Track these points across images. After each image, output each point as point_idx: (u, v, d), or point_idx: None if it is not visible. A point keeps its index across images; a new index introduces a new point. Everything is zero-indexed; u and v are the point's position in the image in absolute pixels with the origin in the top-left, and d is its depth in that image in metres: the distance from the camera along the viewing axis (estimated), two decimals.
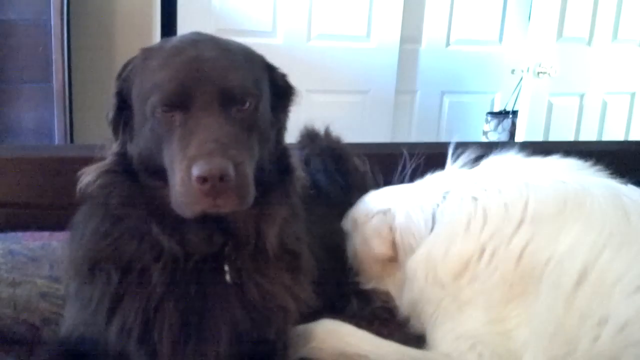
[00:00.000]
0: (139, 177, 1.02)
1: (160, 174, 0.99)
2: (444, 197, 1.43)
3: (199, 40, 1.05)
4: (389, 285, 1.52)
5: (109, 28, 3.15)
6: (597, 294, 1.09)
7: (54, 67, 2.61)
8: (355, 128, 2.99)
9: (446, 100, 4.12)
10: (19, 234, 1.59)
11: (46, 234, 1.58)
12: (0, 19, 2.60)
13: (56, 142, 2.65)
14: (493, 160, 1.48)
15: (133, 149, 1.02)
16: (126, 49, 3.10)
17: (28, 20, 2.62)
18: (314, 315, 1.26)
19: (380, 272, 1.52)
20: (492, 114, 3.98)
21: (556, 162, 1.42)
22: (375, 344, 1.24)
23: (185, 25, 3.23)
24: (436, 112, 4.08)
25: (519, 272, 1.20)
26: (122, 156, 1.04)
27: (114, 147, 1.04)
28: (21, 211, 1.75)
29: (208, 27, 3.30)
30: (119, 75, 1.05)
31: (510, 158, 1.47)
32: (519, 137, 3.38)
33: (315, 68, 3.41)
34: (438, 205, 1.42)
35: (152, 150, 0.99)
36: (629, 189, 1.31)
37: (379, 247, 1.49)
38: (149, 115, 0.98)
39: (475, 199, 1.34)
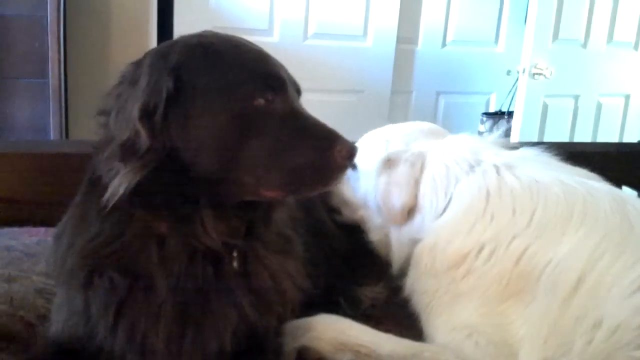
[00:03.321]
0: (190, 171, 0.98)
1: (226, 162, 0.98)
2: (467, 173, 1.41)
3: (246, 40, 1.11)
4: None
5: (105, 24, 3.14)
6: (593, 297, 1.10)
7: (50, 63, 2.61)
8: (350, 128, 2.98)
9: (442, 100, 4.13)
10: (15, 230, 1.59)
11: (42, 229, 1.58)
12: None
13: (51, 137, 2.65)
14: (524, 153, 1.47)
15: (190, 142, 0.97)
16: (122, 46, 3.11)
17: (24, 16, 2.62)
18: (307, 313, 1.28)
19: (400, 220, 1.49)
20: (488, 114, 4.00)
21: (570, 168, 1.42)
22: (375, 335, 1.25)
23: (182, 23, 3.23)
24: (431, 113, 4.09)
25: (516, 272, 1.21)
26: (161, 152, 0.97)
27: (145, 143, 0.94)
28: (17, 207, 1.75)
29: (204, 25, 3.29)
30: (171, 67, 0.98)
31: (539, 155, 1.46)
32: (514, 138, 3.39)
33: (311, 67, 3.42)
34: (458, 181, 1.41)
35: (228, 138, 0.98)
36: (635, 199, 1.32)
37: (401, 198, 1.45)
38: (239, 103, 0.98)
39: (488, 195, 1.34)
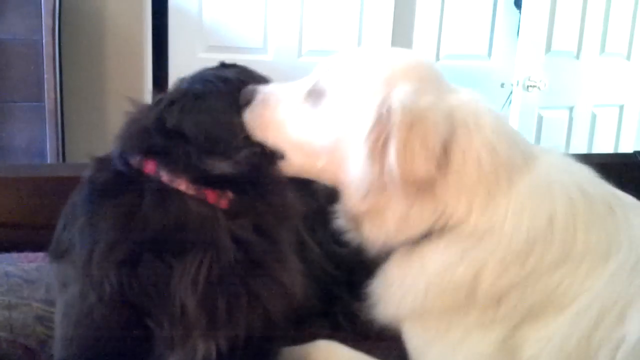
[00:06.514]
0: None
1: None
2: (524, 171, 1.12)
3: None
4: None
5: (101, 47, 3.15)
6: (619, 321, 1.05)
7: (45, 86, 2.61)
8: None
9: None
10: (14, 255, 1.57)
11: (40, 255, 1.57)
12: None
13: (48, 161, 2.64)
14: (560, 155, 1.22)
15: None
16: (118, 68, 3.12)
17: (20, 40, 2.63)
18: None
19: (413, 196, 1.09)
20: None
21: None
22: None
23: (176, 43, 3.25)
24: None
25: (547, 302, 1.08)
26: None
27: None
28: (14, 231, 1.74)
29: (199, 45, 3.32)
30: None
31: (570, 163, 1.21)
32: None
33: None
34: (513, 183, 1.11)
35: None
36: None
37: (425, 162, 1.04)
38: None
39: (553, 205, 1.09)
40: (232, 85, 1.14)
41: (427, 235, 1.10)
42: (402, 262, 1.15)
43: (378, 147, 1.05)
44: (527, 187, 1.09)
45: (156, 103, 1.14)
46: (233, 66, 1.25)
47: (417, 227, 1.10)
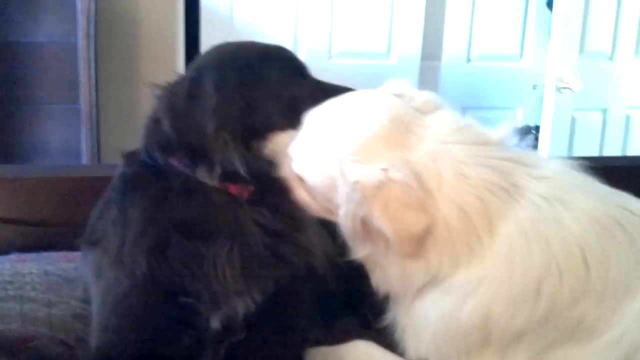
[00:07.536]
0: None
1: None
2: (509, 203, 1.09)
3: None
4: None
5: (134, 49, 3.20)
6: None
7: (81, 88, 2.66)
8: None
9: (468, 116, 4.08)
10: (53, 254, 1.61)
11: (78, 254, 1.60)
12: (29, 41, 2.66)
13: (84, 161, 2.69)
14: (561, 175, 1.17)
15: None
16: (151, 69, 3.16)
17: (55, 42, 2.69)
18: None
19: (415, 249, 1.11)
20: (515, 129, 3.97)
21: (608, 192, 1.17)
22: None
23: (208, 44, 3.26)
24: None
25: (576, 333, 1.06)
26: None
27: None
28: (53, 231, 1.77)
29: None
30: None
31: (577, 177, 1.18)
32: (542, 153, 3.37)
33: None
34: (504, 217, 1.08)
35: None
36: None
37: (419, 221, 1.07)
38: None
39: (548, 243, 1.06)
40: (223, 98, 1.18)
41: (425, 285, 1.13)
42: (408, 309, 1.18)
43: (357, 221, 1.10)
44: (511, 232, 1.07)
45: (164, 92, 1.23)
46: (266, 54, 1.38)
47: (415, 282, 1.13)
